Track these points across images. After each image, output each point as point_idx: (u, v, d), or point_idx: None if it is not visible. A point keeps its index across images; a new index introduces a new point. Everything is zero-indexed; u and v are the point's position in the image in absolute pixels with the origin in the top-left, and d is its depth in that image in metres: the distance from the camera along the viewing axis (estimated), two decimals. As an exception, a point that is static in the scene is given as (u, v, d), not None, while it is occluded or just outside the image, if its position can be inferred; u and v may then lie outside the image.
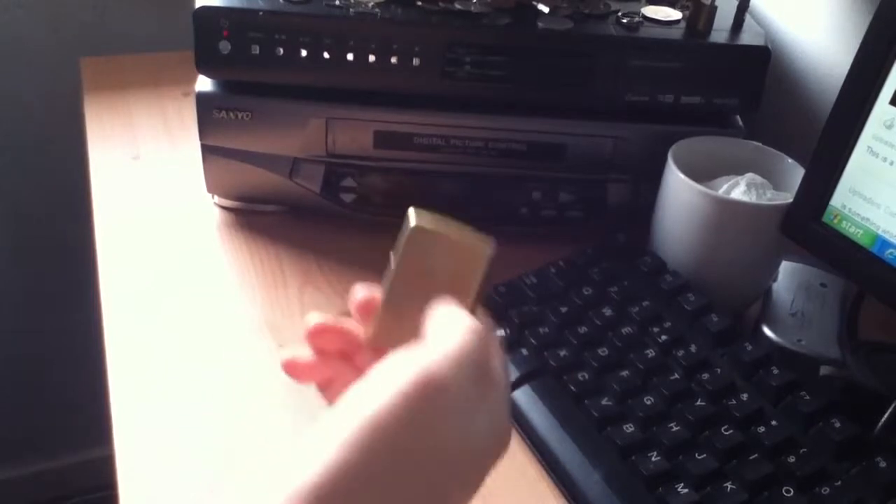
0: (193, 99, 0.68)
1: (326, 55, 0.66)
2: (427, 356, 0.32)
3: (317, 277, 0.68)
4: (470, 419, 0.33)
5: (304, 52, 0.66)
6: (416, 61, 0.66)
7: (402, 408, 0.31)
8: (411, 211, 0.36)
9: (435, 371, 0.32)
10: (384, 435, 0.30)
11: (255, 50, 0.65)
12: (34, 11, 1.00)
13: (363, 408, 0.31)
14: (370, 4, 0.66)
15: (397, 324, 0.36)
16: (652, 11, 0.70)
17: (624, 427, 0.52)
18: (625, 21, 0.68)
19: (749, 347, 0.56)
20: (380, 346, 0.37)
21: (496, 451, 0.35)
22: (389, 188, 0.71)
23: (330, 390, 0.40)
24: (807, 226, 0.59)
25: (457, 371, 0.32)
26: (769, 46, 0.68)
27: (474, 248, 0.35)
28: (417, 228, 0.35)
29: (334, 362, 0.40)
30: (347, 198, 0.71)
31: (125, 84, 0.92)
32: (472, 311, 0.36)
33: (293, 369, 0.40)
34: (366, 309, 0.39)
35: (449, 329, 0.34)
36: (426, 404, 0.31)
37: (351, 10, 0.65)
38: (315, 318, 0.39)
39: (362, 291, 0.39)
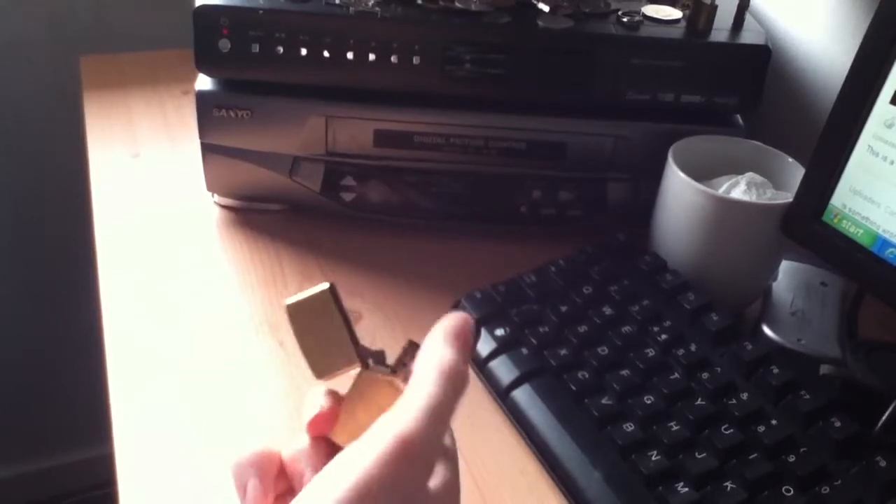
0: (193, 97, 0.68)
1: (326, 54, 0.66)
2: (400, 418, 0.34)
3: (316, 276, 0.68)
4: (434, 469, 0.36)
5: (304, 51, 0.66)
6: (416, 60, 0.66)
7: (384, 468, 0.33)
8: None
9: (407, 432, 0.34)
10: (371, 494, 0.32)
11: (255, 48, 0.65)
12: (34, 11, 1.00)
13: (350, 472, 0.33)
14: (370, 3, 0.66)
15: (355, 421, 0.39)
16: (652, 10, 0.70)
17: (624, 426, 0.52)
18: (625, 20, 0.68)
19: (749, 346, 0.56)
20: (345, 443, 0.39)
21: (453, 494, 0.37)
22: (389, 187, 0.71)
23: None
24: (807, 225, 0.59)
25: (427, 427, 0.34)
26: (769, 45, 0.68)
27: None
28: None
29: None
30: (347, 196, 0.71)
31: (125, 83, 0.92)
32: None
33: None
34: (326, 421, 0.40)
35: (423, 378, 0.36)
36: (404, 464, 0.33)
37: (351, 8, 0.65)
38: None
39: (311, 410, 0.40)
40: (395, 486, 0.33)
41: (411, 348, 0.39)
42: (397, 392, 0.38)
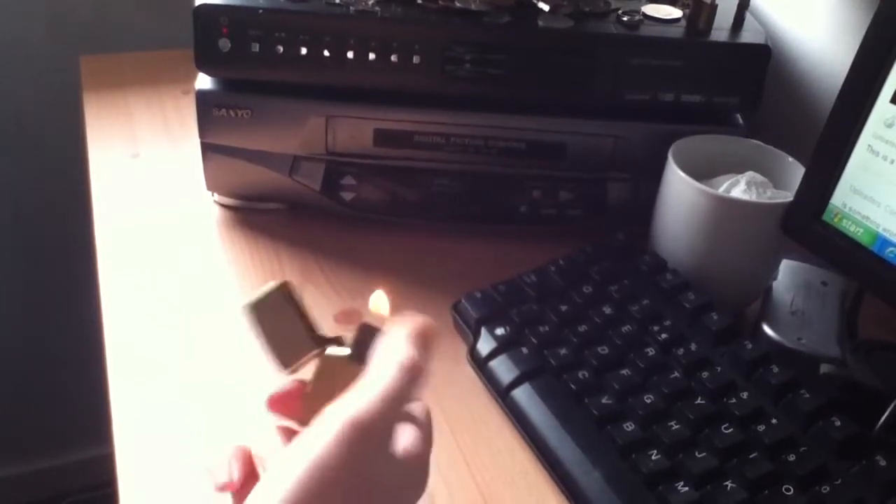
0: (193, 97, 0.68)
1: (326, 53, 0.66)
2: (354, 403, 0.36)
3: (316, 275, 0.68)
4: (389, 444, 0.38)
5: (304, 50, 0.66)
6: (416, 59, 0.66)
7: (337, 450, 0.35)
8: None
9: (361, 416, 0.36)
10: (327, 475, 0.35)
11: (255, 48, 0.65)
12: (34, 11, 1.00)
13: (305, 454, 0.35)
14: (370, 2, 0.66)
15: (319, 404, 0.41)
16: (652, 10, 0.70)
17: (624, 425, 0.52)
18: (625, 19, 0.68)
19: (749, 346, 0.56)
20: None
21: (416, 484, 0.40)
22: (389, 187, 0.71)
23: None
24: (807, 224, 0.59)
25: (380, 412, 0.36)
26: (770, 45, 0.68)
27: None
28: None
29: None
30: (347, 196, 0.71)
31: (125, 82, 0.92)
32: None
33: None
34: (285, 401, 0.43)
35: (380, 368, 0.38)
36: (358, 445, 0.35)
37: (351, 7, 0.65)
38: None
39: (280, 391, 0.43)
40: (353, 465, 0.35)
41: (365, 330, 0.42)
42: (356, 373, 0.40)
